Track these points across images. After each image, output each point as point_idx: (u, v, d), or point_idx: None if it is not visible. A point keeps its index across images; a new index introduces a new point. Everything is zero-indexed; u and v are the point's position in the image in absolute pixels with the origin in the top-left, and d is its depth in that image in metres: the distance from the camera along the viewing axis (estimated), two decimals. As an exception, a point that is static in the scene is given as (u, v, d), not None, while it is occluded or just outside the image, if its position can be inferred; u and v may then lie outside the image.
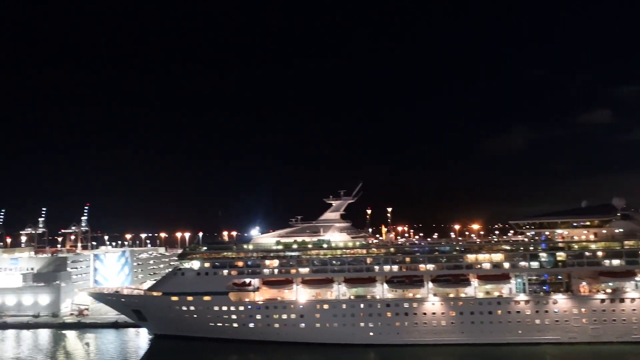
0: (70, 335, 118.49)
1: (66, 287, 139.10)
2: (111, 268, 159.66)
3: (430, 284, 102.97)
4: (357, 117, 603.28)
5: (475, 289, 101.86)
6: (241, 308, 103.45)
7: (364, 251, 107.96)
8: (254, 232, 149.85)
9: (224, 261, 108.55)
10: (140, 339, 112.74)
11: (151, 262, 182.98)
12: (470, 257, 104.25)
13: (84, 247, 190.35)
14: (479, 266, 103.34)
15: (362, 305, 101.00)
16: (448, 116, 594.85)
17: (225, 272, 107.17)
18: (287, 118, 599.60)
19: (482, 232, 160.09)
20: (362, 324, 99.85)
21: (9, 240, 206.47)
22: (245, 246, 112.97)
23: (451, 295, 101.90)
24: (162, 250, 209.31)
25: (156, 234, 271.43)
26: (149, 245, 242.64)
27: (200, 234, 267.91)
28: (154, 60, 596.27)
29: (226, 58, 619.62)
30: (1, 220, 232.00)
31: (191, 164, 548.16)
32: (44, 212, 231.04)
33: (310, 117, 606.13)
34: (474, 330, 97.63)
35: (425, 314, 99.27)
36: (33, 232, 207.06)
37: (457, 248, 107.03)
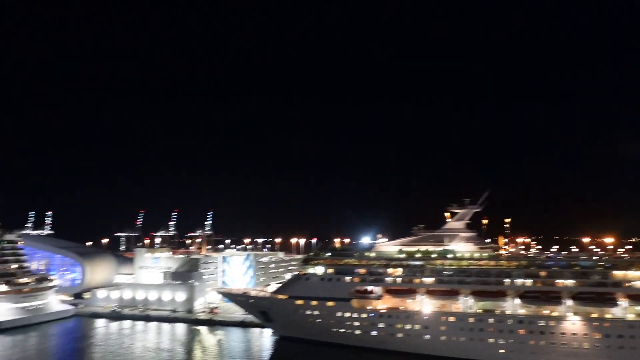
0: (203, 330, 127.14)
1: (199, 286, 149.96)
2: (237, 270, 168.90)
3: (570, 301, 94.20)
4: (472, 131, 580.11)
5: (624, 310, 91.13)
6: (364, 315, 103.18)
7: (493, 263, 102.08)
8: (366, 239, 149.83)
9: (346, 268, 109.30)
10: (265, 339, 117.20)
11: (272, 265, 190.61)
12: (618, 274, 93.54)
13: (208, 250, 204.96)
14: (629, 284, 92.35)
15: (491, 320, 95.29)
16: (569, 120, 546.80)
17: (348, 279, 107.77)
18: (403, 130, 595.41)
19: (630, 247, 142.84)
20: (491, 340, 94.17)
21: (147, 241, 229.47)
22: (367, 254, 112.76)
23: (595, 315, 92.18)
24: (280, 254, 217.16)
25: (271, 239, 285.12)
26: (266, 250, 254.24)
27: (314, 240, 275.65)
28: (277, 86, 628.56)
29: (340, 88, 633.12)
30: (140, 222, 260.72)
31: (304, 174, 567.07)
32: (174, 216, 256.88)
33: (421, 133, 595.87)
34: (623, 356, 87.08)
35: (563, 333, 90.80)
36: (166, 234, 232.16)
37: (602, 263, 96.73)
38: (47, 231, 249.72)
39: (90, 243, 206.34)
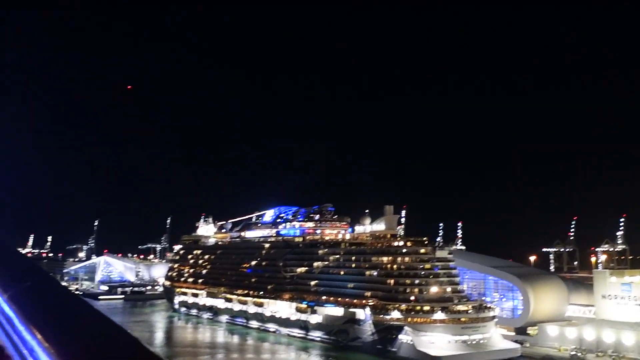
0: None
1: None
2: None
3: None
4: None
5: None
6: None
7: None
8: None
9: None
10: None
11: None
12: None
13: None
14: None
15: None
16: None
17: None
18: None
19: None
20: None
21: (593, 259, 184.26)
22: None
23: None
24: None
25: None
26: None
27: None
28: None
29: None
30: (572, 233, 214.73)
31: None
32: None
33: None
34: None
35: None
36: (611, 249, 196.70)
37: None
38: (458, 246, 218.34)
39: (510, 260, 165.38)
